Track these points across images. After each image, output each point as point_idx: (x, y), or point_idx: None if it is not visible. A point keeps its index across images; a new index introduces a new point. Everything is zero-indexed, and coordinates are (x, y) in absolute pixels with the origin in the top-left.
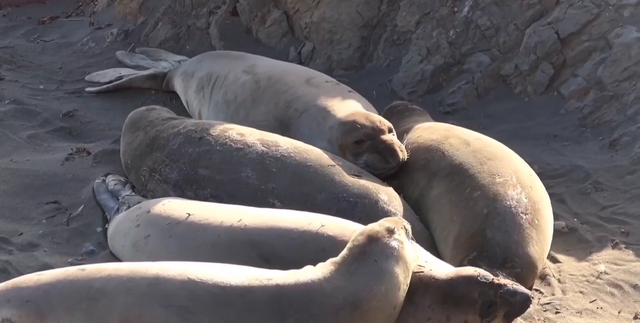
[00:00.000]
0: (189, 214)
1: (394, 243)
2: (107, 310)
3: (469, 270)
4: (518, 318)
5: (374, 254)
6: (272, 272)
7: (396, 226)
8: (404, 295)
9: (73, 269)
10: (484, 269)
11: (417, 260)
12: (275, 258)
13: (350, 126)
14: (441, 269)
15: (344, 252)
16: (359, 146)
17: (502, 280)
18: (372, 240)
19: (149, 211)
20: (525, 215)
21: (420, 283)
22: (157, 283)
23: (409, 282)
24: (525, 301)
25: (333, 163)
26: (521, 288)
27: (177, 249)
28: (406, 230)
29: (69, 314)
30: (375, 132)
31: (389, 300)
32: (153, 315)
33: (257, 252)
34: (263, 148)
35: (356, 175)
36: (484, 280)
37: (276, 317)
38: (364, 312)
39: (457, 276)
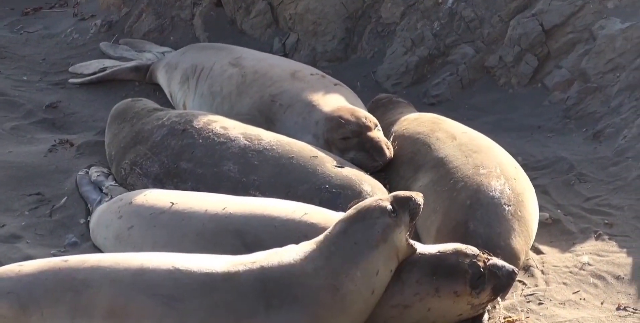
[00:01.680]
0: (173, 203)
1: (378, 226)
2: (92, 301)
3: (456, 244)
4: (502, 309)
5: (354, 235)
6: (255, 255)
7: (396, 204)
8: (386, 280)
9: (55, 260)
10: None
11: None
12: (259, 246)
13: (336, 122)
14: (426, 247)
15: (329, 229)
16: (346, 142)
17: (487, 254)
18: (358, 219)
19: (131, 202)
20: (508, 206)
21: (406, 261)
22: (141, 273)
23: (394, 266)
24: (511, 274)
25: (316, 154)
26: (506, 263)
27: (161, 239)
28: (411, 209)
29: (53, 306)
30: (361, 129)
31: (365, 285)
32: (139, 305)
33: (242, 240)
34: (246, 142)
35: (339, 167)
36: (473, 252)
37: (261, 299)
38: (344, 295)
39: (445, 249)
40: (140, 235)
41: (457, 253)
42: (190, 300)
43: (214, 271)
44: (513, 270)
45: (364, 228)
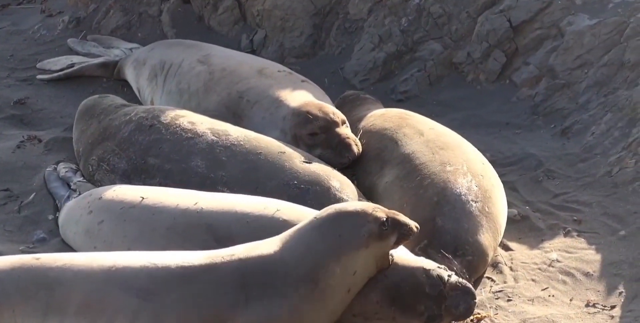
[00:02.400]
0: (143, 198)
1: (366, 230)
2: (65, 298)
3: (418, 274)
4: None
5: (342, 228)
6: (233, 248)
7: (390, 221)
8: (361, 283)
9: (27, 258)
10: (437, 257)
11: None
12: (230, 242)
13: (303, 117)
14: (400, 259)
15: (315, 215)
16: (313, 138)
17: (449, 288)
18: (351, 214)
19: (101, 197)
20: (475, 203)
21: (377, 273)
22: (115, 270)
23: (370, 274)
24: (467, 311)
25: (284, 150)
26: (466, 297)
27: (132, 233)
28: (401, 232)
29: (24, 303)
30: (329, 125)
31: (343, 282)
32: (113, 300)
33: (213, 235)
34: (213, 137)
35: (307, 162)
36: (431, 293)
37: (241, 291)
38: (323, 289)
39: (404, 282)
40: (110, 229)
41: (416, 292)
42: (167, 293)
43: (191, 264)
44: (471, 306)
45: (353, 226)
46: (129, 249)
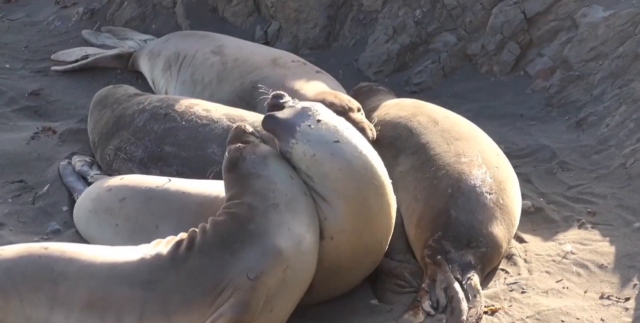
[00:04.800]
0: (170, 179)
1: (248, 156)
2: (71, 294)
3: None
4: (485, 297)
5: (248, 168)
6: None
7: (238, 140)
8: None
9: (36, 247)
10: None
11: None
12: None
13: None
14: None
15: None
16: None
17: None
18: (233, 165)
19: (122, 178)
20: (489, 194)
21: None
22: (116, 265)
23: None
24: None
25: None
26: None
27: (160, 211)
28: (242, 134)
29: (32, 294)
30: (344, 111)
31: (293, 190)
32: (118, 295)
33: None
34: (229, 123)
35: None
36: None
37: (224, 250)
38: (287, 203)
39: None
40: (134, 207)
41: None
42: (167, 277)
43: (182, 241)
44: None
45: (245, 164)
46: (156, 227)
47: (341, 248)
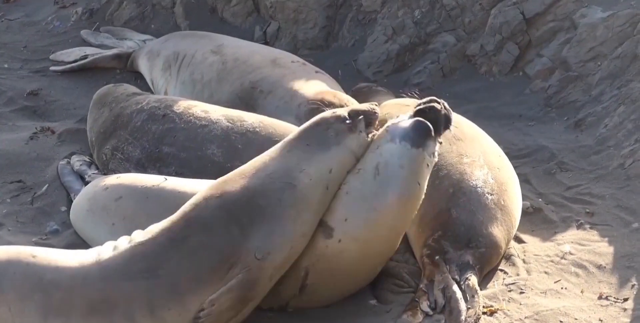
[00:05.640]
0: (166, 179)
1: (332, 130)
2: (67, 303)
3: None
4: (484, 298)
5: (308, 138)
6: (203, 193)
7: (352, 113)
8: (340, 178)
9: (24, 253)
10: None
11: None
12: None
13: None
14: None
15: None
16: None
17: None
18: (313, 125)
19: (119, 177)
20: (491, 195)
21: None
22: (107, 264)
23: (350, 166)
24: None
25: None
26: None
27: (155, 210)
28: (366, 116)
29: (20, 303)
30: None
31: (320, 180)
32: (120, 292)
33: None
34: (228, 123)
35: None
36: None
37: (232, 225)
38: (302, 190)
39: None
40: (130, 206)
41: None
42: (168, 260)
43: (174, 223)
44: None
45: (318, 132)
46: None
47: (344, 254)
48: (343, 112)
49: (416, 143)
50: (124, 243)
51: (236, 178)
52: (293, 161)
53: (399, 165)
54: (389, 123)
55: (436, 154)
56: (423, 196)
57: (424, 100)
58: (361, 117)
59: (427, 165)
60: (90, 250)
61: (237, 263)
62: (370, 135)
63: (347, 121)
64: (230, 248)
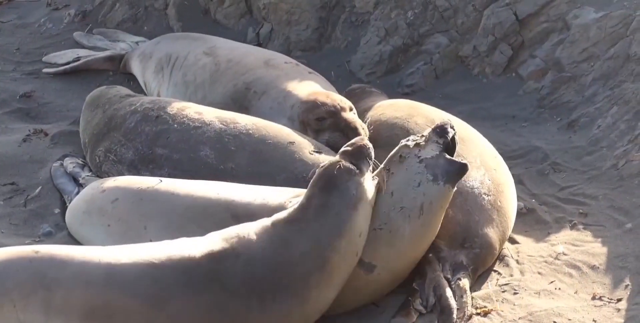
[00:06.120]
0: (161, 180)
1: (352, 188)
2: (67, 301)
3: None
4: (473, 299)
5: (334, 206)
6: (234, 247)
7: (354, 159)
8: (366, 236)
9: (26, 250)
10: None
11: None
12: (249, 220)
13: (312, 104)
14: None
15: (298, 205)
16: (321, 123)
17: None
18: (331, 187)
19: (115, 179)
20: (487, 196)
21: None
22: (113, 271)
23: (370, 219)
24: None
25: (292, 140)
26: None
27: (149, 212)
28: (366, 156)
29: (25, 299)
30: (336, 110)
31: (350, 251)
32: (119, 305)
33: (232, 213)
34: (221, 125)
35: (317, 152)
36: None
37: (253, 296)
38: (331, 270)
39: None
40: (126, 208)
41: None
42: (177, 300)
43: (194, 268)
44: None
45: (340, 195)
46: (145, 228)
47: (376, 284)
48: (347, 163)
49: (455, 184)
50: (138, 252)
51: (270, 247)
52: (324, 239)
53: (441, 206)
54: (420, 155)
55: None
56: None
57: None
58: (364, 158)
59: None
60: (98, 248)
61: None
62: (373, 176)
63: (357, 171)
64: (244, 315)
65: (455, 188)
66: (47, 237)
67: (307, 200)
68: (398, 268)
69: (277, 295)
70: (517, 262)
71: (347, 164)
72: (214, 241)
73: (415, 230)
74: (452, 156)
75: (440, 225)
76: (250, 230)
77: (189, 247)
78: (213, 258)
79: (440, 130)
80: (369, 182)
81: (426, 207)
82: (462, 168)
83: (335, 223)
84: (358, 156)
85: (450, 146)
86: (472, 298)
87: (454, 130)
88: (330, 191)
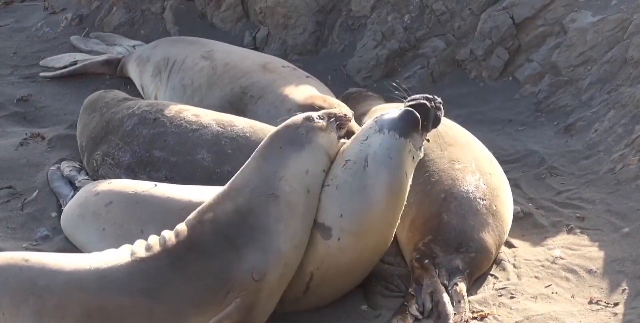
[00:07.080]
0: (156, 184)
1: (302, 129)
2: (61, 308)
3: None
4: (474, 303)
5: (279, 141)
6: (196, 217)
7: (321, 113)
8: (319, 179)
9: (16, 258)
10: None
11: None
12: None
13: (308, 108)
14: None
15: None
16: None
17: None
18: (283, 128)
19: (110, 183)
20: (482, 200)
21: None
22: (105, 274)
23: (326, 166)
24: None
25: None
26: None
27: (144, 215)
28: (335, 115)
29: (14, 308)
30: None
31: (299, 184)
32: (115, 304)
33: None
34: (219, 128)
35: None
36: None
37: (227, 247)
38: (285, 199)
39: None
40: (120, 211)
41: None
42: (169, 283)
43: (174, 246)
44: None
45: (288, 133)
46: (141, 232)
47: (344, 251)
48: (311, 113)
49: (404, 132)
50: (124, 254)
51: (224, 199)
52: (270, 169)
53: (387, 155)
54: (377, 115)
55: (422, 149)
56: (409, 189)
57: (417, 96)
58: (333, 118)
59: (413, 157)
60: (86, 255)
61: (235, 286)
62: (340, 141)
63: (318, 120)
64: (229, 272)
65: (409, 139)
66: (44, 241)
67: (265, 139)
68: (359, 230)
69: (247, 238)
70: (514, 266)
71: (310, 114)
72: (188, 218)
73: (363, 184)
74: (427, 126)
75: (407, 190)
76: (218, 193)
77: (166, 236)
78: (183, 232)
79: (411, 99)
80: (329, 136)
81: (371, 158)
82: (407, 114)
83: (279, 155)
84: (327, 114)
85: (417, 110)
86: (469, 302)
87: (429, 101)
88: (281, 128)
